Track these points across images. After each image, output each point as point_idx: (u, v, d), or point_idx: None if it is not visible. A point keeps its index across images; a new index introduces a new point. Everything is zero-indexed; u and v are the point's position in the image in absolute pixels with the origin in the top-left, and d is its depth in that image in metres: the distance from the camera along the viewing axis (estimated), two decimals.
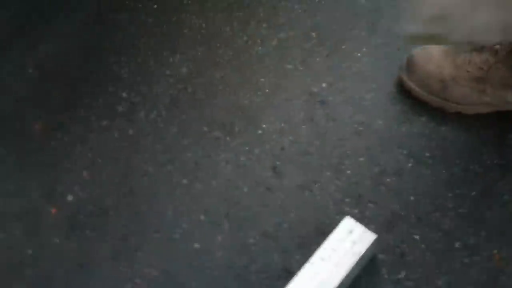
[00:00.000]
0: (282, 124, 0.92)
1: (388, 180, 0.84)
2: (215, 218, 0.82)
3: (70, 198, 0.87)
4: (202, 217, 0.83)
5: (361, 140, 0.89)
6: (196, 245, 0.80)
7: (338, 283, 0.68)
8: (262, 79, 0.99)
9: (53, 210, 0.86)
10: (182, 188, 0.86)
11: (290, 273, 0.73)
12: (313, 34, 1.05)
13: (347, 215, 0.76)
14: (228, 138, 0.92)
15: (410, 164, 0.85)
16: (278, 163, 0.88)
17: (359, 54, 1.00)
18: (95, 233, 0.83)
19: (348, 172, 0.85)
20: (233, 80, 1.00)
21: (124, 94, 1.00)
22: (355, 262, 0.70)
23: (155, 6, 1.13)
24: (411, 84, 0.90)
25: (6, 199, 0.87)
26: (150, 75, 1.02)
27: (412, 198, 0.82)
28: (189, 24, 1.09)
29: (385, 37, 1.01)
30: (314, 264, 0.70)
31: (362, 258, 0.71)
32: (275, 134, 0.91)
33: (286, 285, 0.69)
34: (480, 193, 0.81)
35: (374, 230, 0.74)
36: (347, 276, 0.70)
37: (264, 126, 0.93)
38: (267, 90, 0.97)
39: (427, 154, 0.86)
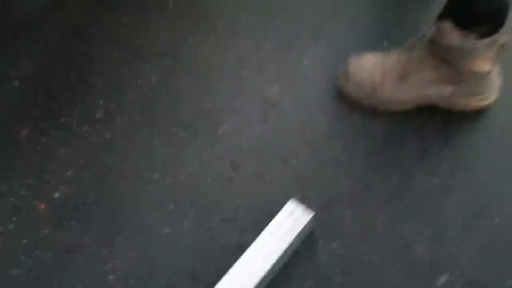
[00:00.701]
0: (239, 125, 1.07)
1: (326, 168, 0.99)
2: (182, 207, 0.97)
3: (56, 195, 1.01)
4: (171, 207, 0.97)
5: (306, 135, 1.04)
6: (166, 230, 0.95)
7: (281, 253, 0.84)
8: (222, 86, 1.14)
9: (42, 206, 0.99)
10: (154, 183, 1.01)
11: (245, 248, 0.88)
12: (265, 44, 1.20)
13: (292, 198, 0.92)
14: (192, 138, 1.06)
15: (344, 153, 1.01)
16: (235, 158, 1.03)
17: (305, 61, 1.16)
18: (79, 224, 0.96)
19: (294, 161, 1.01)
20: (197, 87, 1.14)
21: (100, 102, 1.13)
22: (296, 236, 0.85)
23: (126, 20, 1.26)
24: (348, 89, 1.06)
25: (0, 199, 1.00)
26: (123, 83, 1.15)
27: (346, 182, 0.97)
28: (157, 36, 1.23)
29: (328, 45, 1.17)
30: (263, 239, 0.85)
31: (301, 232, 0.87)
32: (233, 134, 1.06)
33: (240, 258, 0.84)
34: (401, 175, 0.98)
35: (314, 210, 0.90)
36: (289, 247, 0.85)
37: (224, 127, 1.08)
38: (227, 95, 1.12)
39: (360, 145, 1.02)
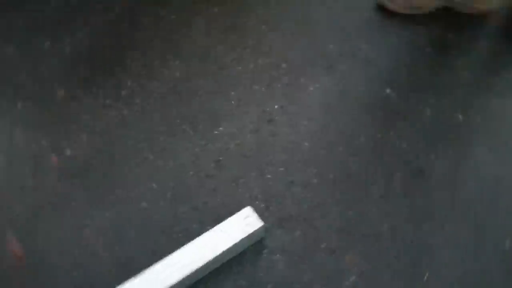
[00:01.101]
0: (235, 130, 1.19)
1: (295, 189, 1.09)
2: (163, 188, 1.11)
3: (68, 152, 1.18)
4: (154, 185, 1.11)
5: (287, 156, 1.15)
6: (144, 204, 1.09)
7: (226, 249, 0.95)
8: (233, 93, 1.27)
9: (54, 158, 1.17)
10: (147, 162, 1.15)
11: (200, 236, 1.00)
12: (284, 65, 1.31)
13: (256, 206, 1.03)
14: (192, 132, 1.20)
15: (315, 180, 1.10)
16: (221, 158, 1.15)
17: (311, 88, 1.26)
18: (78, 180, 1.13)
19: (268, 176, 1.11)
20: (211, 89, 1.27)
21: (128, 82, 1.30)
22: (242, 238, 0.96)
23: (173, 17, 1.42)
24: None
25: (24, 142, 1.19)
26: (151, 71, 1.31)
27: (305, 206, 1.07)
28: (194, 37, 1.37)
29: (337, 81, 1.26)
30: (214, 232, 0.97)
31: (250, 236, 0.97)
32: (226, 137, 1.18)
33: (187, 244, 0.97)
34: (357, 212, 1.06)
35: (269, 222, 1.01)
36: (235, 246, 0.96)
37: (221, 128, 1.20)
38: (233, 102, 1.25)
39: (330, 175, 1.11)
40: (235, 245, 0.96)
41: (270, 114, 1.22)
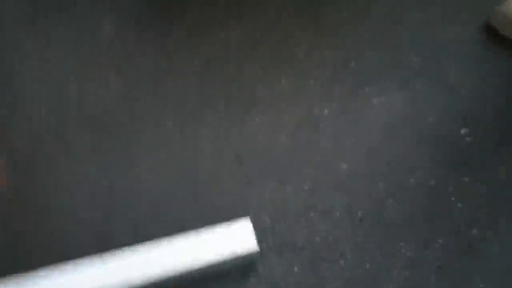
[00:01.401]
0: (269, 126, 1.03)
1: (312, 214, 0.93)
2: (170, 163, 0.98)
3: (93, 96, 1.08)
4: (162, 155, 0.99)
5: (317, 172, 0.97)
6: (142, 171, 0.97)
7: (203, 264, 0.82)
8: (283, 81, 1.09)
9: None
10: (165, 128, 1.02)
11: (183, 229, 0.88)
12: (353, 63, 1.11)
13: (261, 220, 0.88)
14: (223, 113, 1.05)
15: (338, 213, 0.93)
16: (243, 153, 1.00)
17: (374, 102, 1.05)
18: (90, 122, 1.03)
19: (288, 189, 0.95)
20: (262, 69, 1.11)
21: (180, 36, 1.15)
22: (227, 256, 0.82)
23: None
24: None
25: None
26: (207, 31, 1.15)
27: (317, 240, 0.90)
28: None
29: (408, 101, 1.05)
30: (197, 236, 0.83)
31: (235, 258, 0.83)
32: (258, 130, 1.02)
33: (173, 235, 0.84)
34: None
35: (268, 243, 0.86)
36: (216, 262, 0.83)
37: (256, 119, 1.04)
38: (279, 92, 1.08)
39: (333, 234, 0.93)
40: (217, 263, 0.83)
41: (316, 118, 1.04)
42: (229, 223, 0.85)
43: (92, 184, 0.96)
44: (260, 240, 0.88)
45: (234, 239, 0.83)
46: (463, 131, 1.02)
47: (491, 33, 1.12)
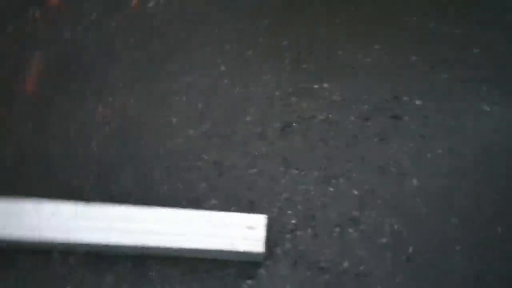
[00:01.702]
0: (336, 116, 0.81)
1: (350, 231, 0.72)
2: (199, 111, 0.80)
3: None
4: (184, 99, 0.81)
5: (374, 180, 0.75)
6: (167, 113, 0.80)
7: (195, 246, 0.65)
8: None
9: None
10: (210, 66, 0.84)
11: (196, 205, 0.72)
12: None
13: (287, 221, 0.70)
14: (287, 67, 0.84)
15: (383, 240, 0.71)
16: (291, 128, 0.79)
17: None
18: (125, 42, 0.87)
19: (333, 189, 0.74)
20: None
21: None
22: (227, 248, 0.65)
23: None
24: None
25: None
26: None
27: (346, 264, 0.70)
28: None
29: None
30: (202, 217, 0.67)
31: (237, 253, 0.66)
32: (320, 109, 0.81)
33: (184, 209, 0.68)
34: None
35: (280, 253, 0.68)
36: (213, 252, 0.66)
37: (326, 93, 0.82)
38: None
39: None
40: (215, 251, 0.66)
41: (397, 163, 0.80)
42: (243, 214, 0.67)
43: None
44: (274, 244, 0.70)
45: (239, 231, 0.66)
46: None
47: None
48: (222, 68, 0.86)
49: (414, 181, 0.76)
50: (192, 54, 0.87)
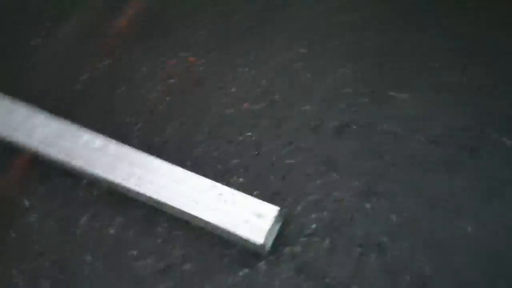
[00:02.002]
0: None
1: (372, 256, 0.63)
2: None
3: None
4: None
5: (419, 208, 0.65)
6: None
7: (202, 217, 0.63)
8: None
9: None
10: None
11: (221, 178, 0.70)
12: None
13: (306, 221, 0.65)
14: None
15: (407, 278, 0.61)
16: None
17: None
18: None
19: (369, 203, 0.66)
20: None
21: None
22: (227, 228, 0.62)
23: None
24: None
25: None
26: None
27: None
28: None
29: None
30: (216, 189, 0.64)
31: (237, 237, 0.62)
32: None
33: (204, 177, 0.67)
34: None
35: (287, 254, 0.63)
36: (216, 227, 0.63)
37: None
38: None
39: None
40: (217, 228, 0.63)
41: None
42: (257, 200, 0.63)
43: None
44: (285, 242, 0.64)
45: (245, 215, 0.62)
46: None
47: None
48: (302, 50, 0.81)
49: (469, 228, 0.64)
50: (274, 31, 0.84)
